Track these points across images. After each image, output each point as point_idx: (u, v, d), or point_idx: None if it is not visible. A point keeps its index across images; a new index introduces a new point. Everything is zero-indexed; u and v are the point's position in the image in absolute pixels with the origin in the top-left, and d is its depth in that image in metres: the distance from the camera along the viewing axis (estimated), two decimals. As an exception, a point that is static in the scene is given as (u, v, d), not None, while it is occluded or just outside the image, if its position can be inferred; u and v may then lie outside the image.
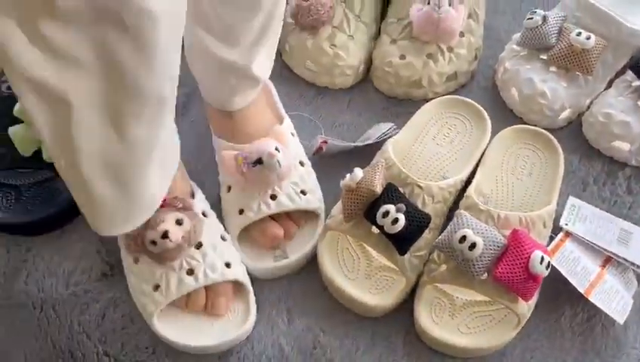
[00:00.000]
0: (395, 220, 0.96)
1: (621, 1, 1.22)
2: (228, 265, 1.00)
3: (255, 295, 1.02)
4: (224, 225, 1.06)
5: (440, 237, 0.98)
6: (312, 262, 1.06)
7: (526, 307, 0.97)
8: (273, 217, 1.05)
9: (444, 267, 0.99)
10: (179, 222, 0.95)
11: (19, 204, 1.08)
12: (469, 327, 0.99)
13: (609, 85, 1.22)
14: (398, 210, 0.96)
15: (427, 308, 1.00)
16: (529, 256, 0.95)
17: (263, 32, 0.99)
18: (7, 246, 1.08)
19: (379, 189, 0.99)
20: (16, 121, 1.07)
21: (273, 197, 1.04)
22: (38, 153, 1.08)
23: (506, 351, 1.00)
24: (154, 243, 0.94)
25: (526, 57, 1.21)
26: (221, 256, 1.00)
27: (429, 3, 1.19)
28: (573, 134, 1.20)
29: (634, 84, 1.17)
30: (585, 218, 1.08)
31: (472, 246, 0.94)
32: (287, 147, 1.04)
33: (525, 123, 1.19)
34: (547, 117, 1.18)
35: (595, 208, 1.10)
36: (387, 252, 0.99)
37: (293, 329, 1.02)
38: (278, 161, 1.00)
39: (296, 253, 1.05)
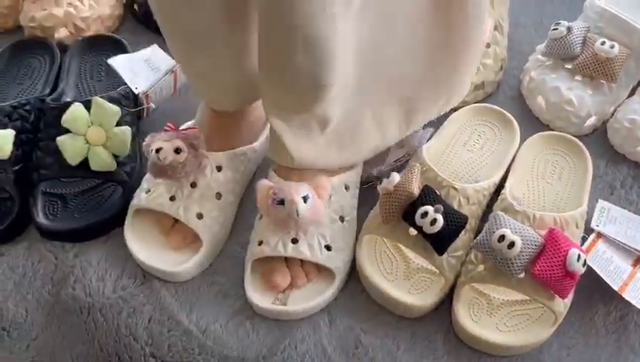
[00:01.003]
0: (434, 221, 0.95)
1: (642, 11, 1.22)
2: (199, 215, 1.02)
3: None
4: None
5: (478, 237, 0.97)
6: (351, 265, 1.05)
7: (562, 305, 0.96)
8: (289, 260, 1.02)
9: (481, 267, 0.98)
10: (177, 151, 0.99)
11: (65, 212, 1.07)
12: (507, 326, 0.98)
13: (632, 93, 1.21)
14: (436, 211, 0.96)
15: (466, 308, 0.98)
16: (566, 254, 0.94)
17: None
18: (54, 252, 1.06)
19: (416, 191, 0.98)
20: (64, 131, 1.06)
21: (295, 241, 0.99)
22: (84, 162, 1.07)
23: (542, 349, 0.99)
24: (152, 152, 0.99)
25: (551, 67, 1.21)
26: (200, 205, 1.02)
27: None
28: (599, 140, 1.19)
29: (658, 90, 1.17)
30: (615, 219, 1.07)
31: (511, 245, 0.93)
32: (323, 200, 0.99)
33: (552, 130, 1.18)
34: (573, 124, 1.17)
35: (624, 210, 1.09)
36: (425, 253, 0.98)
37: (334, 330, 1.01)
38: (297, 210, 0.95)
39: (296, 304, 1.00)
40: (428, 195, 0.98)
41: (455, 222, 0.96)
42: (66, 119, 1.06)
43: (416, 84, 1.02)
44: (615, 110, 1.20)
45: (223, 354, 0.99)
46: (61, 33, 1.26)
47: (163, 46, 1.13)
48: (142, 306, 1.03)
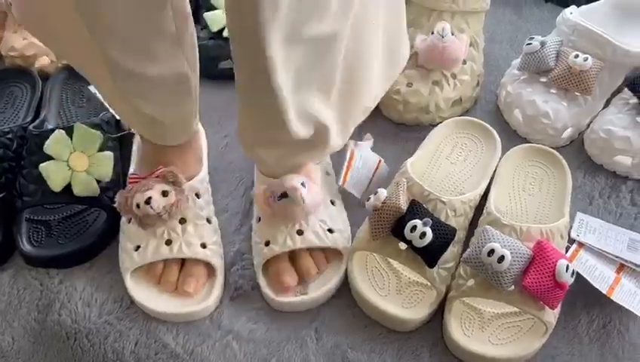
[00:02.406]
0: (423, 234, 0.90)
1: (613, 24, 1.18)
2: (204, 245, 0.97)
3: (282, 316, 0.97)
4: (252, 255, 1.00)
5: (467, 252, 0.91)
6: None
7: (552, 315, 0.91)
8: (297, 254, 0.98)
9: (471, 281, 0.92)
10: (164, 194, 0.93)
11: (50, 239, 1.01)
12: (499, 338, 0.92)
13: (606, 104, 1.17)
14: (424, 224, 0.90)
15: (457, 322, 0.93)
16: (555, 266, 0.89)
17: None
18: (40, 279, 1.00)
19: (404, 206, 0.93)
20: (47, 157, 1.00)
21: (300, 232, 0.97)
22: (67, 188, 1.00)
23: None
24: (138, 206, 0.92)
25: (527, 81, 1.16)
26: (200, 237, 0.97)
27: (432, 33, 1.14)
28: (576, 151, 1.14)
29: (631, 101, 1.12)
30: (594, 230, 1.02)
31: (501, 259, 0.87)
32: (316, 184, 0.97)
33: (530, 143, 1.13)
34: (550, 136, 1.13)
35: (602, 221, 1.04)
36: (416, 266, 0.93)
37: (321, 347, 0.95)
38: (302, 196, 0.93)
39: (316, 290, 0.97)
40: (415, 209, 0.92)
41: (444, 235, 0.91)
42: (49, 145, 1.00)
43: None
44: (591, 121, 1.15)
45: (210, 373, 0.93)
46: (42, 62, 1.19)
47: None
48: (128, 330, 0.96)
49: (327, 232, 0.98)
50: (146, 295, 0.96)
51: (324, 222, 0.99)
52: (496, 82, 1.23)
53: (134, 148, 1.08)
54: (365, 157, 1.06)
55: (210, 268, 0.98)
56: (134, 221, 0.95)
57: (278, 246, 0.96)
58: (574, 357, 0.94)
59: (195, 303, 0.96)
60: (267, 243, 0.97)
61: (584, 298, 0.97)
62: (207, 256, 0.97)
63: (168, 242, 0.95)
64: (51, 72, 1.19)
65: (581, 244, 1.00)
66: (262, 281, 0.97)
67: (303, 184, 0.94)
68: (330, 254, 1.00)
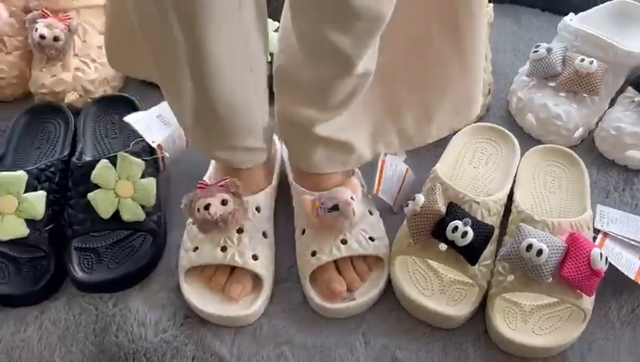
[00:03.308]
0: (465, 233, 0.92)
1: (610, 28, 1.23)
2: (255, 257, 0.98)
3: (330, 323, 0.98)
4: (298, 266, 1.02)
5: (505, 250, 0.93)
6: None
7: (589, 302, 0.93)
8: (341, 265, 1.00)
9: (511, 277, 0.94)
10: (224, 202, 0.95)
11: (100, 265, 1.01)
12: (542, 328, 0.94)
13: (611, 103, 1.21)
14: (465, 224, 0.93)
15: (501, 317, 0.95)
16: (589, 255, 0.91)
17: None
18: (94, 304, 1.00)
19: (443, 209, 0.95)
20: (93, 187, 1.01)
21: (344, 241, 0.98)
22: (114, 215, 1.01)
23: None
24: (199, 210, 0.94)
25: (536, 86, 1.19)
26: (253, 248, 0.98)
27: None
28: (588, 150, 1.18)
29: (636, 99, 1.16)
30: (615, 220, 1.05)
31: (539, 252, 0.90)
32: (359, 197, 0.99)
33: (543, 144, 1.16)
34: (563, 136, 1.16)
35: (621, 211, 1.07)
36: (458, 265, 0.95)
37: (370, 350, 0.96)
38: (353, 210, 0.96)
39: (363, 296, 0.99)
40: (455, 211, 0.95)
41: (484, 233, 0.93)
42: (96, 175, 1.01)
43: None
44: (599, 120, 1.19)
45: (271, 382, 0.94)
46: (70, 97, 1.20)
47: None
48: (184, 346, 0.96)
49: (369, 240, 1.00)
50: (196, 295, 0.98)
51: (365, 231, 1.00)
52: (504, 90, 1.26)
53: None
54: (395, 166, 1.08)
55: (258, 280, 0.99)
56: (196, 224, 0.97)
57: (325, 256, 0.98)
58: (609, 341, 0.97)
59: (239, 309, 0.97)
60: (313, 254, 0.99)
61: (612, 285, 1.00)
62: (256, 267, 0.98)
63: (223, 249, 0.97)
64: (79, 107, 1.20)
65: (606, 234, 1.02)
66: (310, 291, 0.99)
67: (352, 198, 0.96)
68: (372, 261, 1.01)
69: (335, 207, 0.95)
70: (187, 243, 1.00)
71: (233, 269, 0.99)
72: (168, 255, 1.06)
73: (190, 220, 1.01)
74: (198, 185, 0.98)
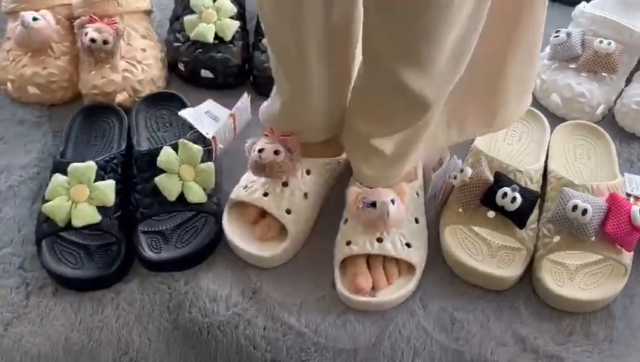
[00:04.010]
0: (514, 199, 0.98)
1: (625, 11, 1.30)
2: (288, 211, 1.04)
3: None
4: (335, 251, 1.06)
5: (551, 213, 0.99)
6: (429, 256, 1.06)
7: (630, 257, 1.00)
8: (372, 262, 1.03)
9: (557, 238, 1.00)
10: (276, 152, 1.02)
11: (168, 245, 1.06)
12: (587, 284, 1.00)
13: (627, 81, 1.28)
14: (513, 190, 0.99)
15: (550, 277, 1.00)
16: (629, 212, 0.98)
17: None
18: (166, 283, 1.04)
19: (491, 178, 1.01)
20: (158, 172, 1.06)
21: (379, 240, 1.01)
22: (179, 198, 1.05)
23: (609, 300, 1.02)
24: (254, 152, 1.03)
25: (559, 68, 1.26)
26: (289, 203, 1.05)
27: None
28: (609, 125, 1.23)
29: (652, 75, 1.24)
30: (642, 186, 1.12)
31: (584, 211, 0.96)
32: (404, 204, 1.02)
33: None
34: (587, 113, 1.22)
35: (648, 177, 1.14)
36: (506, 230, 1.01)
37: (429, 313, 1.01)
38: (388, 212, 0.98)
39: (385, 296, 1.01)
40: (502, 179, 1.01)
41: (530, 198, 0.99)
42: (161, 161, 1.05)
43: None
44: (617, 98, 1.26)
45: (337, 348, 0.98)
46: (120, 97, 1.25)
47: (216, 100, 1.20)
48: (255, 318, 1.01)
49: (405, 246, 1.01)
50: (232, 231, 1.06)
51: (404, 236, 1.02)
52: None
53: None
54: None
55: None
56: (249, 163, 1.05)
57: (358, 248, 1.00)
58: (648, 294, 1.02)
59: (263, 251, 1.05)
60: (348, 243, 1.02)
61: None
62: (284, 218, 1.04)
63: (265, 194, 1.05)
64: (128, 105, 1.24)
65: (637, 198, 1.08)
66: (338, 278, 1.02)
67: (392, 201, 0.99)
68: (404, 267, 1.03)
69: (373, 204, 0.99)
70: (242, 181, 1.09)
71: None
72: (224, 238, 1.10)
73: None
74: (265, 134, 1.05)
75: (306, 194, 1.06)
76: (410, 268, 1.03)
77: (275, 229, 1.06)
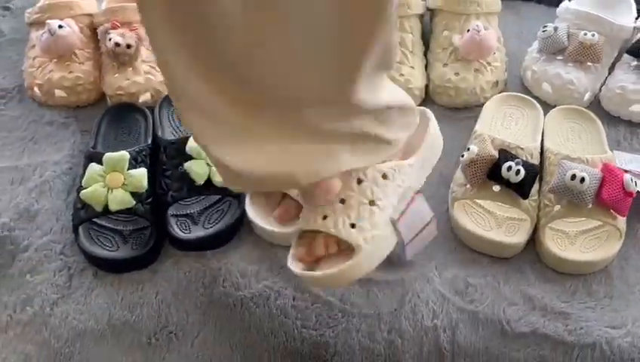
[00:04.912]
0: (518, 171, 1.05)
1: (604, 7, 1.40)
2: None
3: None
4: None
5: (552, 183, 1.07)
6: (441, 230, 1.11)
7: (623, 221, 1.08)
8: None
9: (557, 207, 1.08)
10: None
11: (196, 226, 1.12)
12: (587, 248, 1.08)
13: (610, 70, 1.37)
14: (517, 164, 1.06)
15: (553, 242, 1.08)
16: (622, 179, 1.06)
17: None
18: (200, 261, 1.10)
19: (496, 154, 1.09)
20: (187, 158, 1.13)
21: (324, 217, 0.92)
22: (207, 181, 1.12)
23: (606, 263, 1.10)
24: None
25: (547, 60, 1.34)
26: None
27: (468, 31, 1.32)
28: (595, 110, 1.31)
29: (633, 63, 1.32)
30: (630, 160, 1.19)
31: (582, 180, 1.04)
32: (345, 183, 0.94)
33: (559, 108, 1.31)
34: (576, 99, 1.30)
35: (634, 154, 1.22)
36: (511, 202, 1.08)
37: (444, 279, 1.08)
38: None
39: (323, 270, 0.92)
40: (506, 154, 1.08)
41: (532, 170, 1.07)
42: (191, 147, 1.12)
43: None
44: (601, 85, 1.35)
45: (362, 313, 1.05)
46: (144, 97, 1.32)
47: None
48: (284, 290, 1.07)
49: (350, 226, 0.92)
50: (256, 213, 1.10)
51: (350, 217, 0.93)
52: (515, 70, 1.41)
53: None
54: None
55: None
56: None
57: (304, 224, 0.95)
58: (642, 256, 1.11)
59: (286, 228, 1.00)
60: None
61: (635, 214, 1.13)
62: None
63: None
64: (151, 104, 1.31)
65: (626, 171, 1.16)
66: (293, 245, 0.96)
67: None
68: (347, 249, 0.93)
69: None
70: None
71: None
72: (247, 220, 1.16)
73: None
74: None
75: None
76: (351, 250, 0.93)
77: (293, 211, 1.04)
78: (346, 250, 0.92)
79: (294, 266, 0.93)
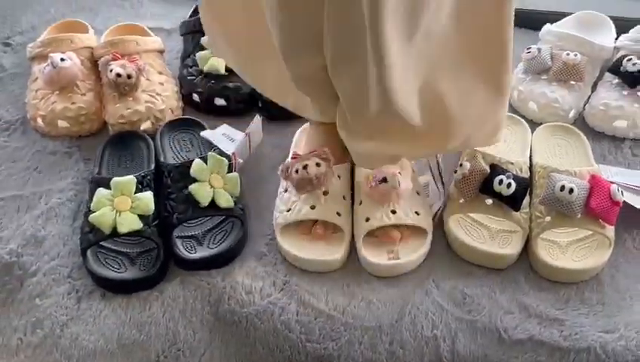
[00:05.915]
0: (509, 184, 1.09)
1: (586, 28, 1.46)
2: (338, 213, 1.14)
3: (406, 275, 1.14)
4: (353, 233, 1.16)
5: (542, 195, 1.10)
6: (437, 244, 1.17)
7: (612, 230, 1.11)
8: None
9: (548, 218, 1.11)
10: (317, 165, 1.12)
11: (201, 247, 1.15)
12: (578, 256, 1.11)
13: (593, 88, 1.42)
14: (508, 177, 1.10)
15: (545, 252, 1.11)
16: (609, 189, 1.09)
17: None
18: (206, 280, 1.12)
19: (488, 169, 1.13)
20: (191, 181, 1.16)
21: (393, 212, 1.13)
22: (210, 204, 1.15)
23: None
24: (297, 171, 1.11)
25: (532, 80, 1.39)
26: (336, 207, 1.15)
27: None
28: (580, 126, 1.36)
29: (614, 81, 1.37)
30: (616, 173, 1.24)
31: (570, 191, 1.08)
32: (408, 174, 1.15)
33: (545, 125, 1.36)
34: (561, 116, 1.35)
35: (620, 168, 1.27)
36: (503, 214, 1.12)
37: (442, 291, 1.11)
38: (399, 181, 1.11)
39: (406, 256, 1.12)
40: (497, 168, 1.12)
41: (523, 184, 1.11)
42: (194, 170, 1.15)
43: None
44: (585, 103, 1.39)
45: (363, 326, 1.07)
46: (145, 125, 1.35)
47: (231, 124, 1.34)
48: (288, 306, 1.09)
49: (416, 214, 1.14)
50: (290, 245, 1.14)
51: (412, 206, 1.14)
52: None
53: (294, 138, 1.30)
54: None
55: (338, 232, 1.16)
56: (291, 185, 1.14)
57: (377, 221, 1.12)
58: (630, 264, 1.15)
59: (326, 255, 1.13)
60: (367, 220, 1.13)
61: (623, 224, 1.17)
62: (339, 220, 1.14)
63: (312, 207, 1.13)
64: (152, 132, 1.34)
65: (612, 183, 1.20)
66: (362, 249, 1.13)
67: (399, 172, 1.12)
68: (416, 233, 1.15)
69: (384, 179, 1.11)
70: (280, 207, 1.16)
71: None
72: (250, 239, 1.20)
73: (282, 189, 1.18)
74: (292, 156, 1.16)
75: (344, 197, 1.17)
76: (422, 232, 1.14)
77: (330, 231, 1.16)
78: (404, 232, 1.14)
79: (380, 261, 1.11)
